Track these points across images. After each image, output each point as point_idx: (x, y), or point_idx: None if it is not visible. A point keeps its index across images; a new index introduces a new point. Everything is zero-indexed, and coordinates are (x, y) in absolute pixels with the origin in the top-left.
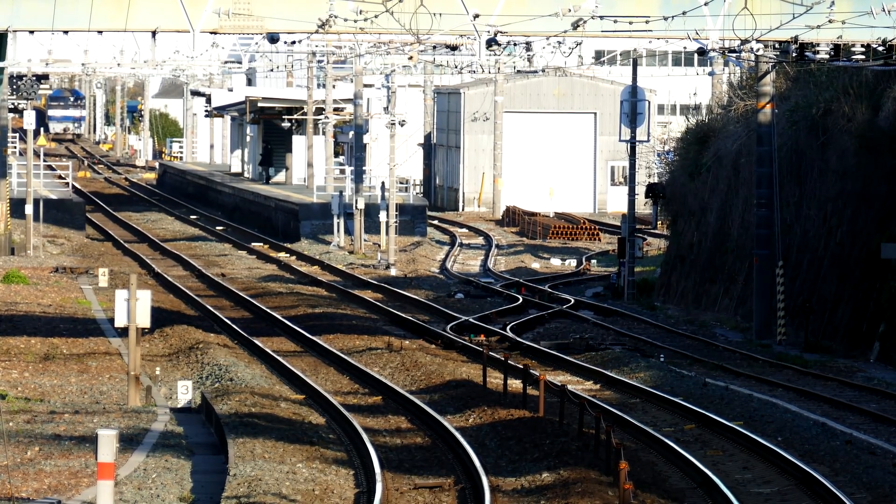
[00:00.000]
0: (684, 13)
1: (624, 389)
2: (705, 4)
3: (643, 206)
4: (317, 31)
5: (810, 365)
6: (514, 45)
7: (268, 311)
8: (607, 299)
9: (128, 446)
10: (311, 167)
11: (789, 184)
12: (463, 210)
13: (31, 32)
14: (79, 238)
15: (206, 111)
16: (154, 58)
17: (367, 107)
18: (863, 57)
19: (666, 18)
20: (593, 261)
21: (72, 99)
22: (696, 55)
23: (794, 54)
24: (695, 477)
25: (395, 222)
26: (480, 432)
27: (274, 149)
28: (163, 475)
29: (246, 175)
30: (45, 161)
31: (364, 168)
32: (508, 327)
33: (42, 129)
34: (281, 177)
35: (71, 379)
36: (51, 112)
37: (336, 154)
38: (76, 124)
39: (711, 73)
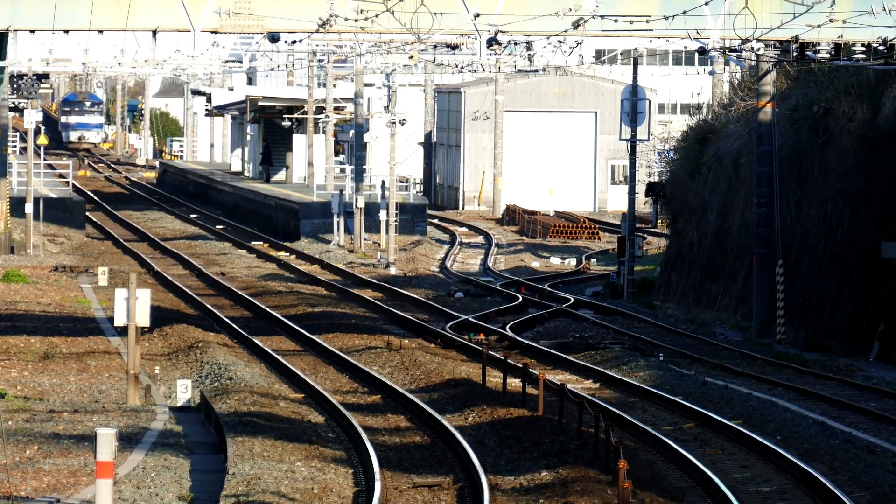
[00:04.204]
0: (685, 12)
1: (623, 388)
2: (706, 4)
3: (643, 205)
4: (317, 31)
5: (810, 364)
6: (515, 44)
7: (267, 309)
8: (607, 298)
9: (127, 445)
10: (311, 166)
11: (789, 183)
12: (463, 209)
13: (32, 32)
14: (79, 237)
15: (206, 110)
16: (155, 57)
17: (368, 106)
18: (863, 56)
19: (666, 18)
20: (593, 260)
21: (88, 104)
22: (696, 54)
23: (794, 53)
24: (694, 476)
25: (395, 221)
26: (479, 431)
27: (274, 148)
28: (162, 474)
29: (246, 174)
30: (45, 160)
31: (364, 167)
32: (508, 326)
33: (51, 138)
34: (281, 176)
35: (70, 378)
36: (64, 119)
37: (336, 153)
38: (93, 132)
39: (712, 73)
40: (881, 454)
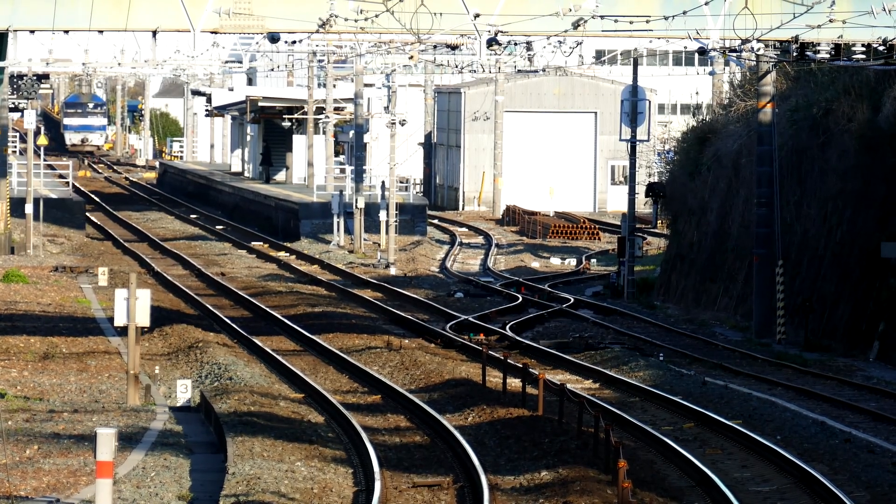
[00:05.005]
0: (685, 13)
1: (623, 388)
2: (706, 4)
3: (643, 206)
4: (317, 31)
5: (810, 364)
6: (515, 44)
7: (267, 310)
8: (607, 298)
9: (127, 445)
10: (311, 166)
11: (789, 183)
12: (463, 209)
13: (32, 32)
14: (79, 237)
15: (206, 110)
16: (155, 57)
17: (368, 106)
18: (863, 56)
19: (666, 18)
20: (593, 260)
21: (90, 105)
22: (696, 55)
23: (794, 54)
24: (694, 475)
25: (395, 221)
26: (479, 431)
27: (274, 148)
28: (162, 474)
29: (246, 174)
30: (45, 160)
31: (364, 167)
32: (508, 326)
33: (53, 139)
34: (281, 176)
35: (70, 378)
36: (66, 121)
37: (336, 153)
38: (97, 134)
39: (712, 73)
40: (881, 454)
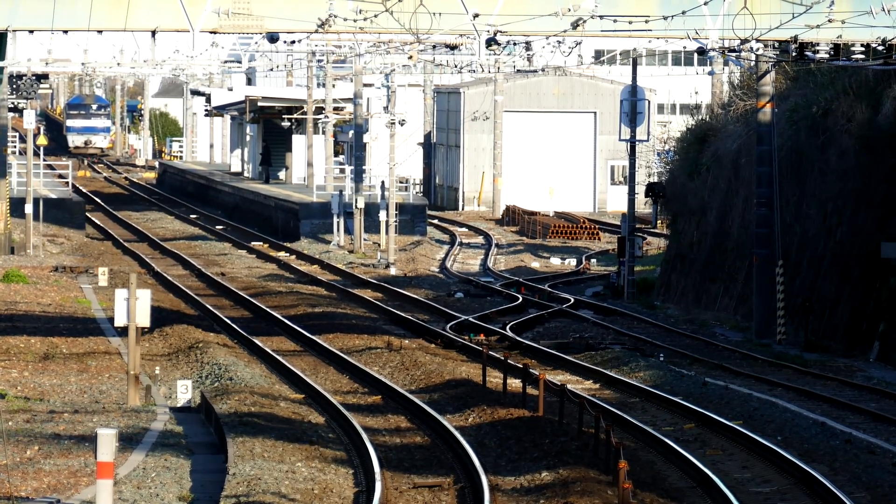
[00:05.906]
0: (684, 13)
1: (623, 389)
2: (705, 4)
3: (643, 206)
4: (316, 31)
5: (810, 364)
6: (514, 44)
7: (267, 310)
8: (607, 298)
9: (127, 445)
10: (310, 166)
11: (789, 183)
12: (463, 209)
13: (31, 32)
14: (78, 237)
15: (205, 110)
16: (154, 57)
17: (367, 106)
18: (862, 56)
19: (665, 18)
20: (593, 260)
21: (94, 107)
22: (695, 55)
23: (793, 54)
24: (694, 476)
25: (395, 221)
26: (480, 431)
27: (274, 148)
28: (162, 474)
29: (246, 174)
30: (44, 160)
31: (364, 167)
32: (508, 326)
33: (54, 140)
34: (281, 176)
35: (70, 378)
36: (69, 122)
37: (336, 153)
38: (100, 136)
39: (711, 73)
40: (881, 455)
